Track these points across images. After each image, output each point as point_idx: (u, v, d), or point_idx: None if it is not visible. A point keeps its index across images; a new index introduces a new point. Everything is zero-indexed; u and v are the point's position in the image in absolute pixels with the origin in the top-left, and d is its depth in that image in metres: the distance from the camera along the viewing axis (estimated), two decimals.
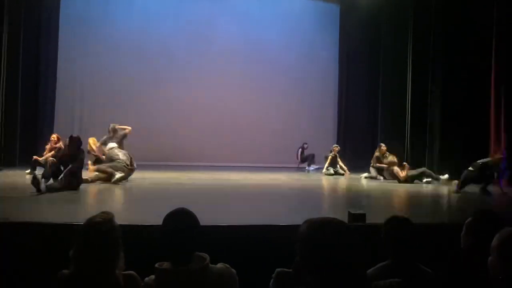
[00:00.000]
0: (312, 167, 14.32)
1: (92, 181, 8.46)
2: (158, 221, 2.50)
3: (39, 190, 6.76)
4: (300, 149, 14.78)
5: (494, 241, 1.85)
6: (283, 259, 2.76)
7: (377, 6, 14.09)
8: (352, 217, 4.49)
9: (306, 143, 14.75)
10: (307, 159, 14.63)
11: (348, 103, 15.86)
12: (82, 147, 8.25)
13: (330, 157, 12.95)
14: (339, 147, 13.49)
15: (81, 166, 7.84)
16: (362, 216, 4.48)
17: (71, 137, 8.07)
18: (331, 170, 12.67)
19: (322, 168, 13.18)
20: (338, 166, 12.95)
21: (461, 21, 11.58)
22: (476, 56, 11.31)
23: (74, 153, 7.73)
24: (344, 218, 4.37)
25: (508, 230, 1.84)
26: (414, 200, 8.11)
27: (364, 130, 15.50)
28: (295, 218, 4.23)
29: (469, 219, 2.81)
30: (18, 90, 12.17)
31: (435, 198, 8.44)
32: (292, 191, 8.96)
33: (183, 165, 13.42)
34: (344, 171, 12.84)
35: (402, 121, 13.46)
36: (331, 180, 11.55)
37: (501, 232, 1.87)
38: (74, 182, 7.36)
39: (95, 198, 7.20)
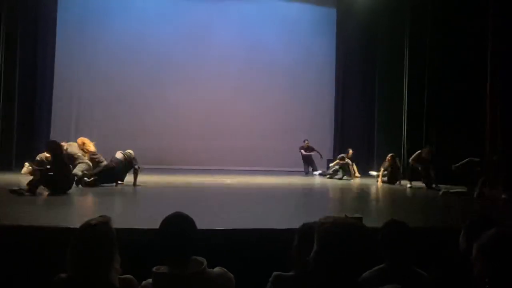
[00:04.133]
0: (317, 172, 14.32)
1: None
2: (156, 224, 2.50)
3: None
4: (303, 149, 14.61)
5: (473, 253, 1.84)
6: (280, 263, 2.77)
7: (374, 10, 14.15)
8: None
9: (306, 140, 14.62)
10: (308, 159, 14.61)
11: (345, 106, 15.92)
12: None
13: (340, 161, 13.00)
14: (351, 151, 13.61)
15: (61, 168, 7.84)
16: (359, 220, 4.49)
17: (47, 143, 8.12)
18: (340, 174, 12.76)
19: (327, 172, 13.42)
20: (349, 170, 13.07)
21: (458, 23, 11.65)
22: (472, 60, 11.38)
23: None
24: None
25: (488, 234, 1.83)
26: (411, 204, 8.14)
27: (360, 133, 15.53)
28: (292, 222, 4.24)
29: (466, 223, 2.82)
30: (15, 94, 12.15)
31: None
32: (289, 195, 8.96)
33: (181, 169, 13.41)
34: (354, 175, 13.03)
35: (398, 124, 13.50)
36: (328, 183, 11.56)
37: (481, 237, 1.86)
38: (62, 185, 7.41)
39: (92, 202, 7.19)
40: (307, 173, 14.36)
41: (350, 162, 13.14)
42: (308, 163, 14.53)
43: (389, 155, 11.75)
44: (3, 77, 11.40)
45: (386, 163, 11.79)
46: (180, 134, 14.58)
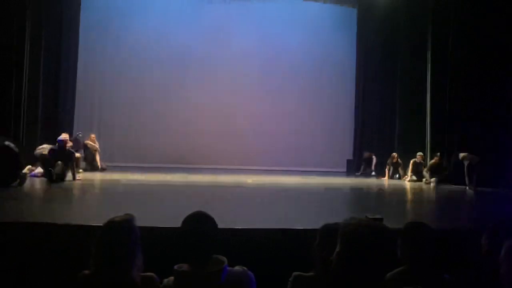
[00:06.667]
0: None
1: None
2: (177, 223, 2.52)
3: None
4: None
5: (502, 252, 1.83)
6: (300, 263, 2.77)
7: (395, 9, 14.02)
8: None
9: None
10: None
11: (365, 105, 15.79)
12: None
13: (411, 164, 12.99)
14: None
15: None
16: (380, 221, 4.45)
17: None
18: (414, 177, 12.77)
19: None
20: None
21: (481, 20, 11.45)
22: (497, 57, 11.18)
23: None
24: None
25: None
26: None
27: (381, 132, 15.39)
28: (312, 222, 4.23)
29: (490, 225, 2.79)
30: (39, 95, 12.33)
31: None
32: (309, 194, 8.93)
33: (201, 168, 13.51)
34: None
35: (421, 123, 13.36)
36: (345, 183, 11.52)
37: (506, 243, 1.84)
38: None
39: (115, 198, 7.25)
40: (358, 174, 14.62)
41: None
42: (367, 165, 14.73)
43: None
44: (28, 73, 11.58)
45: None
46: (199, 133, 14.65)
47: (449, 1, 12.37)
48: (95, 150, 12.30)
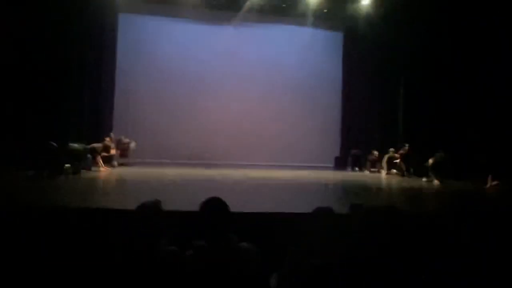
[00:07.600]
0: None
1: None
2: (195, 207, 2.55)
3: None
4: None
5: None
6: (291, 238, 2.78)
7: (374, 36, 13.96)
8: (354, 208, 4.44)
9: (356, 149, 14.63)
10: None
11: (350, 112, 15.69)
12: None
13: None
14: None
15: None
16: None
17: None
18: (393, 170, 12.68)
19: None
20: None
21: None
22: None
23: None
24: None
25: None
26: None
27: (364, 134, 15.28)
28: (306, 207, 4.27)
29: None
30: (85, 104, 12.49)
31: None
32: (302, 185, 8.93)
33: (213, 164, 13.60)
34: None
35: (394, 124, 13.42)
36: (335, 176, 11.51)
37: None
38: None
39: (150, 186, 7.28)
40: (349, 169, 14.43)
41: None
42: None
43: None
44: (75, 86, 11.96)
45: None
46: (212, 135, 14.66)
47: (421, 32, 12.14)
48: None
